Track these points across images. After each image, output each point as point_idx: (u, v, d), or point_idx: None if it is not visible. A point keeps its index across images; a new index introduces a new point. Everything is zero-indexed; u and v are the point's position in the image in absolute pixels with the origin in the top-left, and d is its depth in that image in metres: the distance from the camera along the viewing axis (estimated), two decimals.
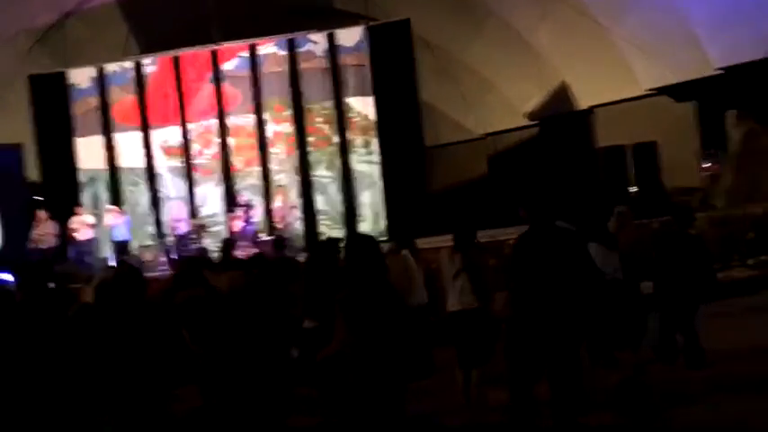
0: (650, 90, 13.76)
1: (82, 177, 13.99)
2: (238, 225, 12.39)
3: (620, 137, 14.19)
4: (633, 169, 12.91)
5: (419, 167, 13.74)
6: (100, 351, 3.40)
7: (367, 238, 3.84)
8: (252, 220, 12.53)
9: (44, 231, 11.48)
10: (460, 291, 4.94)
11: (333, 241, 5.81)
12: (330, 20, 14.55)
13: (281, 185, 13.15)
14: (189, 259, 5.68)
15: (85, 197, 13.89)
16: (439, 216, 14.47)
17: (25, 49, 15.67)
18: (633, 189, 12.82)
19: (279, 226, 12.21)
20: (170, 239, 12.26)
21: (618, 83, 14.19)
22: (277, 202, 12.53)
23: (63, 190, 13.79)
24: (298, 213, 13.19)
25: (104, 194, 13.96)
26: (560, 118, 15.91)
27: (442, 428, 4.78)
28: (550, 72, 15.54)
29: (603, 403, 4.67)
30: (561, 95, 15.72)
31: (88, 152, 14.00)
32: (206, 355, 3.88)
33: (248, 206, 12.56)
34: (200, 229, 12.58)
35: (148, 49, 15.53)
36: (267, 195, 13.64)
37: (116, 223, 12.35)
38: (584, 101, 15.32)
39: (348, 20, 14.55)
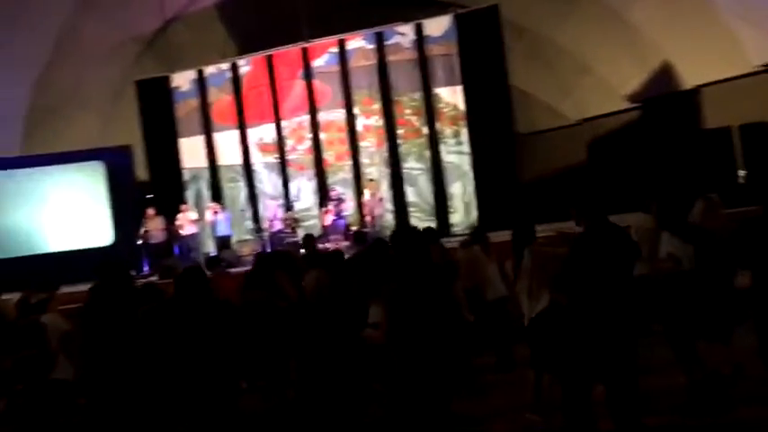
0: (761, 66, 12.73)
1: (186, 176, 14.74)
2: (329, 219, 12.66)
3: (730, 117, 13.25)
4: (741, 152, 11.90)
5: (510, 157, 13.44)
6: (160, 347, 3.57)
7: (411, 231, 3.82)
8: (343, 214, 12.76)
9: (152, 227, 12.21)
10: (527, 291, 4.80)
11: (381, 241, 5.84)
12: (417, 9, 14.45)
13: (370, 179, 13.26)
14: (261, 258, 5.85)
15: (189, 194, 14.65)
16: (533, 206, 14.18)
17: (133, 56, 16.72)
18: (742, 173, 11.90)
19: (368, 219, 12.32)
20: (266, 235, 12.69)
21: (725, 59, 13.21)
22: (366, 196, 12.64)
23: (169, 188, 14.61)
24: (386, 206, 13.26)
25: (206, 191, 14.66)
26: (664, 99, 15.03)
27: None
28: (651, 50, 14.70)
29: (670, 404, 4.43)
30: (664, 75, 14.84)
31: (191, 151, 14.74)
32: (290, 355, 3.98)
33: (339, 200, 12.80)
34: (293, 222, 12.93)
35: (245, 50, 16.12)
36: (358, 189, 13.82)
37: (217, 219, 12.92)
38: (689, 80, 14.40)
39: (435, 8, 14.40)
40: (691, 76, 14.23)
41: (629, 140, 15.96)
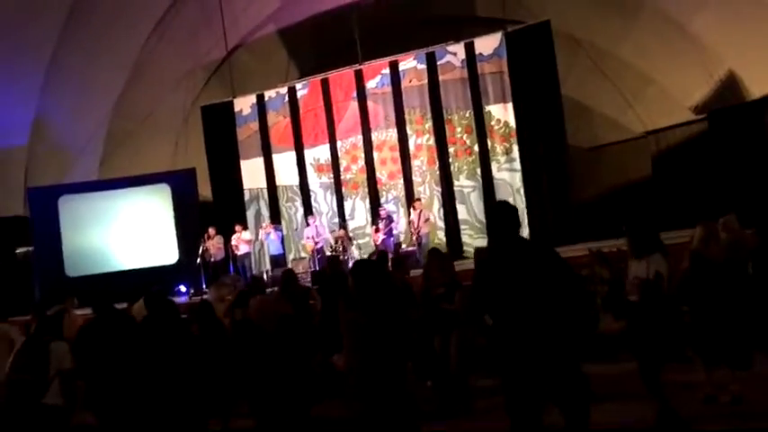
0: None
1: (246, 196, 15.33)
2: (379, 237, 12.85)
3: None
4: None
5: (562, 173, 13.22)
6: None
7: (370, 264, 3.91)
8: (393, 232, 12.92)
9: (211, 246, 12.78)
10: None
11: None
12: (469, 28, 14.53)
13: (416, 198, 13.37)
14: (254, 279, 6.12)
15: (249, 214, 15.23)
16: (595, 222, 13.86)
17: (201, 83, 17.59)
18: None
19: (413, 238, 12.42)
20: (306, 256, 13.05)
21: None
22: (411, 215, 12.76)
23: (231, 208, 15.23)
24: (438, 224, 13.31)
25: (265, 211, 15.19)
26: (731, 110, 14.39)
27: None
28: (715, 60, 14.13)
29: None
30: (730, 85, 14.24)
31: (251, 173, 15.33)
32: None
33: (389, 218, 12.96)
34: (345, 241, 13.19)
35: (304, 73, 16.68)
36: (410, 207, 13.96)
37: (269, 238, 13.35)
38: (755, 90, 13.75)
39: (487, 25, 14.43)
40: (757, 86, 13.60)
41: (696, 153, 15.35)
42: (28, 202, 14.64)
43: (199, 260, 12.77)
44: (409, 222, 12.85)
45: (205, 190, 15.96)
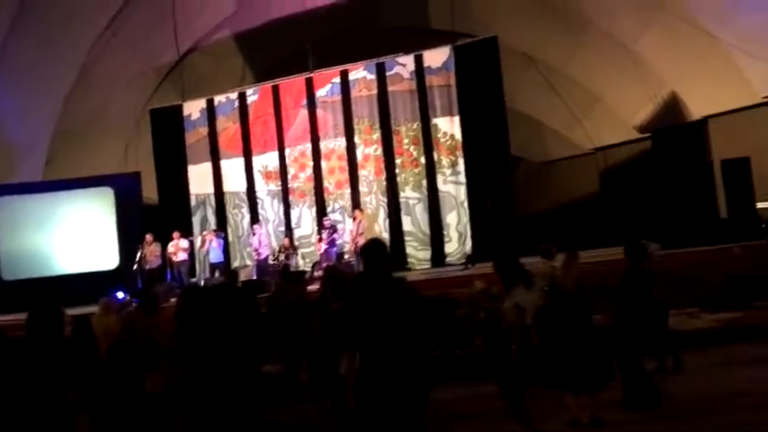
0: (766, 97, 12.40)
1: (192, 201, 15.18)
2: (322, 247, 12.83)
3: (739, 149, 12.93)
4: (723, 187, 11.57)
5: (505, 187, 13.35)
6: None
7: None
8: (337, 242, 12.90)
9: (149, 253, 12.61)
10: None
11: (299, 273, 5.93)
12: (421, 40, 14.61)
13: (357, 208, 13.40)
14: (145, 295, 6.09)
15: (195, 220, 15.08)
16: (543, 235, 14.03)
17: (154, 85, 17.37)
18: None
19: (350, 249, 12.41)
20: (251, 264, 12.97)
21: (731, 90, 12.92)
22: (351, 225, 12.74)
23: (177, 213, 15.07)
24: (384, 236, 13.31)
25: (212, 217, 15.06)
26: (673, 130, 14.73)
27: None
28: (657, 81, 14.47)
29: None
30: (672, 105, 14.58)
31: (198, 178, 15.20)
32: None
33: (332, 228, 12.94)
34: (289, 250, 13.14)
35: (260, 79, 16.58)
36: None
37: (211, 246, 13.21)
38: (695, 111, 14.10)
39: (438, 39, 14.54)
40: (698, 106, 13.94)
41: (641, 171, 15.68)
42: None
43: (136, 266, 12.58)
44: (350, 232, 12.80)
45: (154, 194, 15.77)
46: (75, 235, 14.19)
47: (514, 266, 4.91)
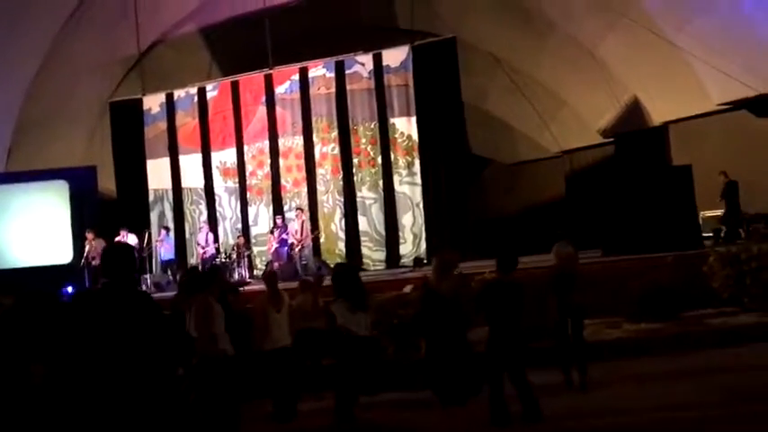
0: (723, 105, 12.29)
1: (151, 196, 15.05)
2: (273, 246, 12.72)
3: (695, 155, 12.85)
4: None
5: (461, 188, 13.24)
6: None
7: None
8: (288, 241, 12.78)
9: (93, 249, 12.46)
10: None
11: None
12: (383, 39, 14.46)
13: (298, 208, 13.26)
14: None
15: (153, 215, 14.95)
16: (512, 237, 13.90)
17: (119, 77, 17.20)
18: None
19: (296, 249, 12.29)
20: (192, 261, 12.85)
21: (689, 97, 12.83)
22: (295, 225, 12.60)
23: (135, 207, 14.93)
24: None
25: (169, 213, 14.93)
26: (635, 135, 14.63)
27: None
28: (620, 86, 14.37)
29: None
30: (634, 111, 14.49)
31: (156, 173, 15.06)
32: None
33: (284, 227, 12.82)
34: (240, 248, 13.03)
35: (227, 74, 16.38)
36: (313, 216, 13.86)
37: (162, 243, 13.07)
38: (656, 117, 14.01)
39: (402, 36, 14.40)
40: (659, 112, 13.86)
41: (605, 174, 15.55)
42: None
43: (83, 262, 12.45)
44: (294, 233, 12.62)
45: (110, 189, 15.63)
46: (30, 228, 14.01)
47: (349, 283, 4.75)
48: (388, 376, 6.06)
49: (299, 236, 12.16)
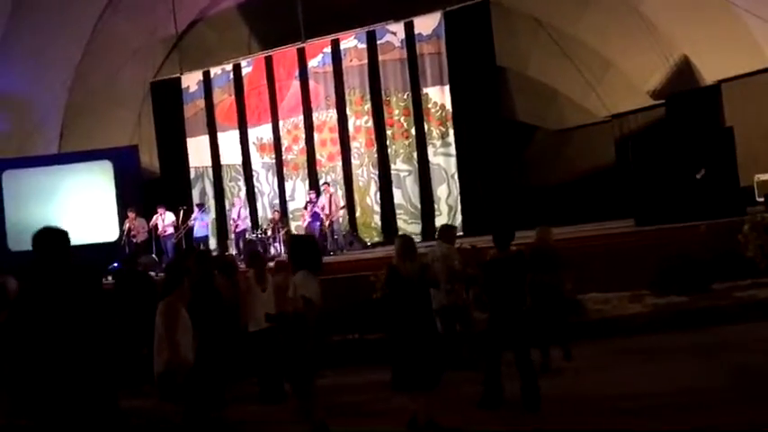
0: None
1: (192, 174, 15.29)
2: (306, 220, 12.71)
3: (750, 115, 12.01)
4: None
5: (499, 158, 12.81)
6: None
7: None
8: (320, 216, 12.72)
9: (134, 228, 12.77)
10: None
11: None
12: (413, 6, 14.04)
13: (326, 183, 13.12)
14: None
15: (195, 192, 15.20)
16: (550, 208, 13.45)
17: (161, 57, 17.48)
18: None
19: (326, 223, 12.19)
20: (231, 237, 12.94)
21: (742, 54, 11.94)
22: (322, 200, 12.48)
23: (178, 185, 15.22)
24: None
25: (210, 190, 15.14)
26: (686, 95, 13.76)
27: None
28: (669, 44, 13.51)
29: None
30: (684, 70, 13.61)
31: (197, 150, 15.27)
32: None
33: (316, 202, 12.76)
34: (276, 223, 13.07)
35: (263, 50, 16.36)
36: (348, 190, 13.77)
37: (196, 221, 13.21)
38: (708, 76, 13.12)
39: (431, 4, 13.95)
40: (709, 72, 12.98)
41: (656, 138, 14.77)
42: None
43: (124, 241, 12.79)
44: (321, 208, 12.49)
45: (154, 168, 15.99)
46: (78, 207, 14.52)
47: (306, 252, 4.56)
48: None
49: (326, 211, 12.04)
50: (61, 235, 3.40)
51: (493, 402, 4.86)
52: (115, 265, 13.19)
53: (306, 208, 13.06)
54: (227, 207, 14.77)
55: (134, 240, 12.67)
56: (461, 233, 11.96)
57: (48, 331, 3.05)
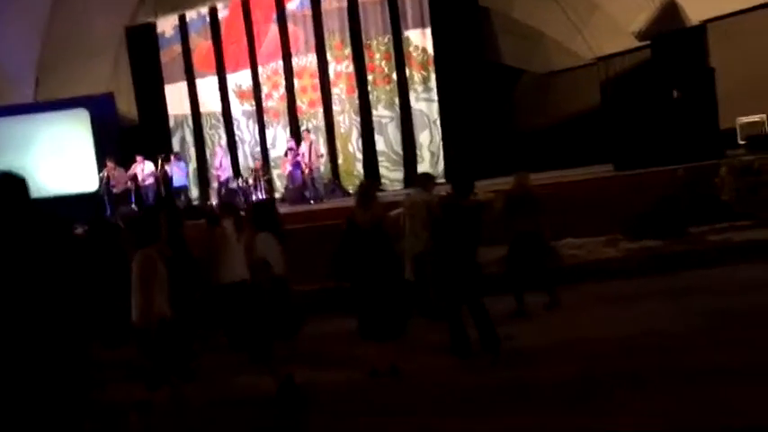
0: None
1: (171, 122, 15.02)
2: (287, 168, 12.57)
3: (735, 55, 11.83)
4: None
5: (482, 103, 12.63)
6: None
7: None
8: (301, 164, 12.57)
9: (113, 178, 12.59)
10: None
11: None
12: None
13: (305, 129, 12.91)
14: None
15: (175, 140, 14.97)
16: (534, 153, 13.36)
17: (132, 3, 16.91)
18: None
19: (305, 171, 12.04)
20: (214, 185, 12.80)
21: None
22: (302, 148, 12.28)
23: (157, 134, 14.96)
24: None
25: (190, 138, 14.90)
26: (671, 36, 13.51)
27: None
28: None
29: None
30: (670, 10, 13.32)
31: (175, 98, 14.96)
32: None
33: (296, 150, 12.59)
34: (257, 172, 12.92)
35: None
36: (329, 137, 13.60)
37: (173, 170, 13.03)
38: (693, 15, 12.86)
39: None
40: (694, 12, 12.71)
41: (641, 81, 14.59)
42: None
43: (103, 191, 12.62)
44: (301, 156, 12.31)
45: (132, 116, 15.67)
46: (55, 158, 14.28)
47: (265, 215, 4.47)
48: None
49: (306, 159, 11.87)
50: (15, 182, 2.95)
51: (461, 351, 4.87)
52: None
53: (286, 155, 12.89)
54: (208, 156, 14.57)
55: (113, 191, 12.50)
56: (443, 180, 11.88)
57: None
